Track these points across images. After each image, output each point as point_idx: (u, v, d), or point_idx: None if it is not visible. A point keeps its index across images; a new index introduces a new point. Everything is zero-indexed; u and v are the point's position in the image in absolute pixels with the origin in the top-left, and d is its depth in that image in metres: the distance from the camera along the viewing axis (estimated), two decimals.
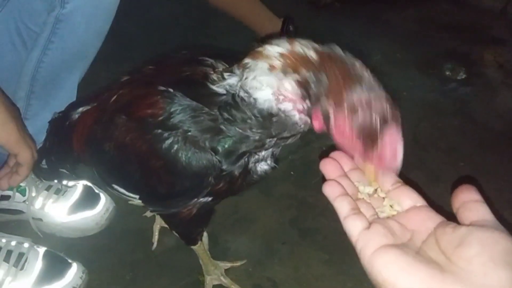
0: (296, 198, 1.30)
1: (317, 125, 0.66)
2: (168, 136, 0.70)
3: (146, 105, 0.73)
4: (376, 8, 2.16)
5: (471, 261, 0.37)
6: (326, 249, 1.15)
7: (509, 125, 1.50)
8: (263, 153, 0.76)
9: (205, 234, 1.11)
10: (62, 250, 1.09)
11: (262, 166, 0.79)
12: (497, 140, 1.44)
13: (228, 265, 1.10)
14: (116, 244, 1.16)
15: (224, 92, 0.69)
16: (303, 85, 0.63)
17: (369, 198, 0.52)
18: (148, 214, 1.19)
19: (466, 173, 1.34)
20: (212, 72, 0.72)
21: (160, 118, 0.71)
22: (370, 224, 0.46)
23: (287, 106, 0.66)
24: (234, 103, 0.69)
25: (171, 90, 0.71)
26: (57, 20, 1.03)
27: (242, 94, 0.68)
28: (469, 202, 0.43)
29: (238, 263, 1.12)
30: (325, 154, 0.57)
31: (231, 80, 0.69)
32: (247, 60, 0.67)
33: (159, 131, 0.71)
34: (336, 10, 2.16)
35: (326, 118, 0.62)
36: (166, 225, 1.10)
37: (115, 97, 0.80)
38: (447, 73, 1.72)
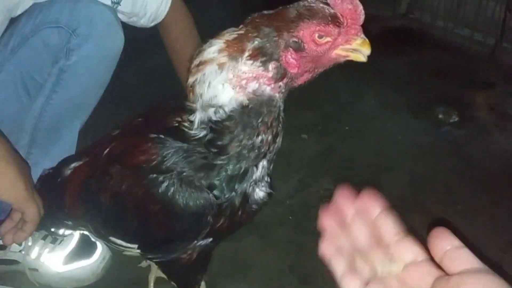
0: (295, 243, 1.28)
1: (294, 66, 0.68)
2: (164, 179, 0.71)
3: (139, 152, 0.74)
4: (370, 55, 2.22)
5: None
6: None
7: (504, 166, 1.52)
8: (259, 172, 0.76)
9: (202, 283, 1.09)
10: None
11: (259, 193, 0.80)
12: (493, 181, 1.45)
13: None
14: None
15: (204, 132, 0.71)
16: (258, 53, 0.66)
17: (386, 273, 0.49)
18: (144, 264, 1.17)
19: (464, 215, 1.33)
20: (181, 121, 0.74)
21: (154, 163, 0.72)
22: (367, 283, 0.45)
23: (253, 86, 0.67)
24: (215, 133, 0.70)
25: (162, 136, 0.73)
26: (61, 71, 1.06)
27: (213, 114, 0.69)
28: (451, 251, 0.41)
29: None
30: (325, 199, 0.57)
31: (197, 117, 0.71)
32: (191, 79, 0.70)
33: (154, 175, 0.72)
34: None
35: (298, 48, 0.66)
36: (162, 275, 1.08)
37: (107, 150, 0.81)
38: (440, 116, 1.76)
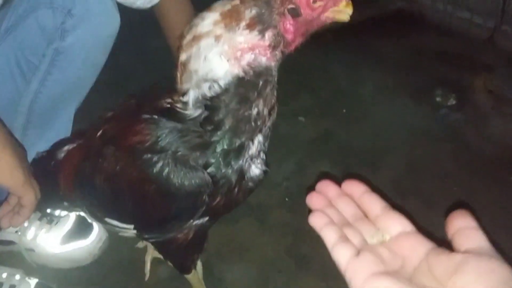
0: (291, 225, 1.29)
1: (291, 32, 0.69)
2: (158, 159, 0.71)
3: (132, 133, 0.74)
4: (367, 37, 2.21)
5: None
6: (323, 277, 1.14)
7: (501, 150, 1.52)
8: (255, 147, 0.76)
9: (199, 263, 1.10)
10: (54, 281, 1.08)
11: (255, 171, 0.79)
12: (490, 165, 1.46)
13: None
14: (109, 275, 1.14)
15: (200, 111, 0.71)
16: (255, 22, 0.66)
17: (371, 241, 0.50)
18: (140, 245, 1.18)
19: (460, 198, 1.34)
20: (173, 102, 0.74)
21: (148, 143, 0.72)
22: (358, 251, 0.45)
23: (248, 57, 0.67)
24: (210, 109, 0.70)
25: (155, 116, 0.73)
26: (57, 52, 1.05)
27: (207, 90, 0.69)
28: (464, 229, 0.42)
29: None
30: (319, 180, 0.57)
31: (191, 96, 0.71)
32: (183, 56, 0.69)
33: (149, 155, 0.72)
34: (328, 40, 2.20)
35: (295, 13, 0.68)
36: (158, 256, 1.08)
37: (100, 132, 0.81)
38: (438, 99, 1.75)
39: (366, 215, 0.51)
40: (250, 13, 0.67)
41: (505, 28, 2.06)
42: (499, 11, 2.05)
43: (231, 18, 0.67)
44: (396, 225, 0.47)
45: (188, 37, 0.70)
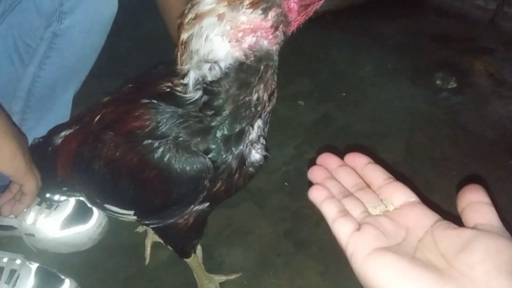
0: (290, 209, 1.29)
1: (295, 10, 0.67)
2: (159, 145, 0.70)
3: (132, 118, 0.73)
4: (367, 20, 2.18)
5: (473, 267, 0.36)
6: (321, 260, 1.14)
7: (500, 133, 1.51)
8: (254, 132, 0.76)
9: (199, 247, 1.11)
10: (54, 266, 1.08)
11: (255, 156, 0.79)
12: (489, 149, 1.45)
13: (223, 278, 1.09)
14: (109, 260, 1.15)
15: (199, 93, 0.70)
16: (258, 1, 0.64)
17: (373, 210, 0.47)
18: (140, 229, 1.18)
19: (459, 182, 1.34)
20: (172, 86, 0.72)
21: (148, 129, 0.71)
22: (360, 224, 0.43)
23: (249, 40, 0.66)
24: (210, 94, 0.69)
25: (155, 101, 0.72)
26: (55, 35, 1.03)
27: (208, 72, 0.68)
28: (476, 203, 0.40)
29: (233, 276, 1.11)
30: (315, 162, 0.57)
31: (191, 77, 0.70)
32: (185, 35, 0.68)
33: (149, 141, 0.71)
34: (327, 22, 2.18)
35: None
36: (158, 240, 1.09)
37: (98, 117, 0.80)
38: (438, 82, 1.74)
39: (369, 186, 0.49)
40: None
41: (507, 10, 2.03)
42: None
43: None
44: (400, 195, 0.45)
45: (190, 16, 0.68)
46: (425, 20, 2.16)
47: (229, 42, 0.66)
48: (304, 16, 0.71)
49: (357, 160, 0.50)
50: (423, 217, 0.42)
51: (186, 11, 0.69)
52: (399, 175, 0.51)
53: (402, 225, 0.43)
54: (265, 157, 0.80)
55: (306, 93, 1.77)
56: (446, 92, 1.71)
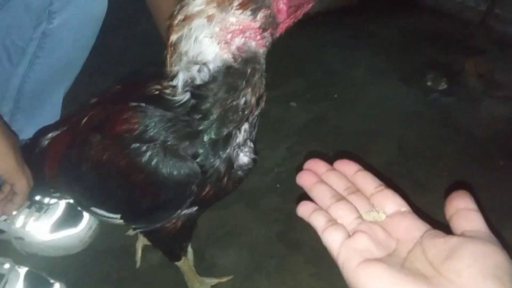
0: (283, 211, 1.29)
1: (284, 12, 0.67)
2: (147, 148, 0.70)
3: (120, 121, 0.72)
4: (359, 20, 2.19)
5: (460, 274, 0.36)
6: (314, 262, 1.14)
7: (491, 134, 1.52)
8: (241, 135, 0.75)
9: (190, 249, 1.10)
10: (44, 269, 1.07)
11: (243, 159, 0.79)
12: (480, 149, 1.46)
13: (215, 281, 1.08)
14: (100, 263, 1.14)
15: (188, 96, 0.69)
16: (248, 1, 0.64)
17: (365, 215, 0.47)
18: (131, 232, 1.17)
19: (451, 182, 1.35)
20: (161, 88, 0.72)
21: (137, 132, 0.70)
22: (352, 231, 0.44)
23: (238, 41, 0.66)
24: (198, 98, 0.69)
25: (143, 104, 0.71)
26: (44, 35, 1.03)
27: (196, 74, 0.67)
28: (463, 210, 0.41)
29: (224, 279, 1.10)
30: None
31: (180, 79, 0.69)
32: (174, 36, 0.67)
33: (137, 144, 0.70)
34: (319, 23, 2.18)
35: None
36: (149, 243, 1.08)
37: (86, 119, 0.79)
38: (429, 83, 1.74)
39: (359, 190, 0.49)
40: None
41: (497, 12, 2.05)
42: None
43: None
44: (392, 204, 0.46)
45: (179, 17, 0.68)
46: (417, 21, 2.16)
47: (218, 43, 0.66)
48: (293, 18, 0.70)
49: (347, 167, 0.50)
50: (413, 228, 0.43)
51: (175, 13, 0.68)
52: (387, 180, 0.51)
53: (393, 235, 0.43)
54: (254, 160, 0.80)
55: (299, 93, 1.77)
56: (437, 92, 1.72)
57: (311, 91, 1.78)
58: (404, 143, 1.50)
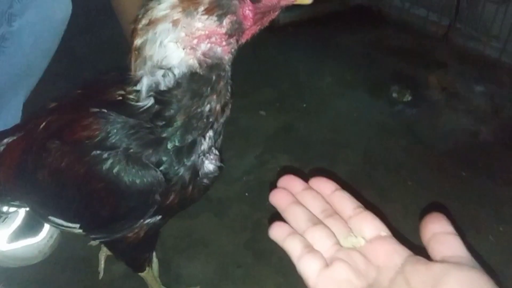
0: (251, 219, 1.29)
1: (249, 18, 0.68)
2: (108, 156, 0.68)
3: (80, 127, 0.71)
4: (328, 32, 2.23)
5: None
6: (281, 271, 1.14)
7: (453, 145, 1.58)
8: (206, 143, 0.75)
9: (155, 260, 1.08)
10: (1, 281, 1.02)
11: (208, 167, 0.78)
12: (442, 160, 1.51)
13: None
14: (61, 274, 1.10)
15: (152, 101, 0.69)
16: (214, 6, 0.64)
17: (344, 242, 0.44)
18: (94, 243, 1.14)
19: (414, 191, 1.38)
20: (125, 94, 0.71)
21: (97, 139, 0.69)
22: (330, 260, 0.41)
23: (203, 47, 0.65)
24: (162, 104, 0.68)
25: (105, 110, 0.70)
26: (3, 39, 1.00)
27: (161, 79, 0.67)
28: (441, 234, 0.39)
29: None
30: (282, 176, 0.53)
31: (144, 83, 0.69)
32: (138, 41, 0.67)
33: (98, 152, 0.69)
34: (289, 33, 2.21)
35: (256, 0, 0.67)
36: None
37: (44, 124, 0.77)
38: (394, 95, 1.79)
39: (337, 212, 0.46)
40: None
41: (459, 26, 2.13)
42: (454, 9, 2.13)
43: (189, 2, 0.64)
44: (371, 228, 0.43)
45: (144, 21, 0.67)
46: (383, 34, 2.23)
47: (184, 49, 0.66)
48: (259, 25, 0.71)
49: (323, 185, 0.47)
50: (394, 254, 0.40)
51: (139, 16, 0.68)
52: (356, 184, 0.50)
53: (373, 262, 0.41)
54: (219, 168, 0.79)
55: (268, 102, 1.78)
56: (402, 104, 1.77)
57: (280, 101, 1.80)
58: (368, 153, 1.54)
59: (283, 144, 1.59)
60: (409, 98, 1.78)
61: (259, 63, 1.94)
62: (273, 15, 0.72)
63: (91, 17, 1.98)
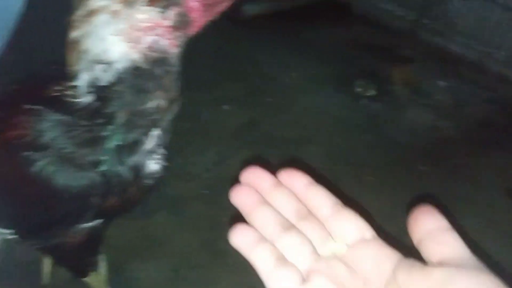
0: (208, 218, 1.25)
1: (196, 10, 0.64)
2: (41, 157, 0.63)
3: (10, 126, 0.65)
4: (295, 26, 2.21)
5: None
6: (236, 271, 1.11)
7: (414, 139, 1.58)
8: (151, 142, 0.71)
9: (103, 263, 1.03)
10: None
11: (152, 166, 0.74)
12: (403, 154, 1.51)
13: None
14: (4, 280, 1.04)
15: (91, 98, 0.64)
16: None
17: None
18: None
19: (374, 186, 1.37)
20: (62, 89, 0.66)
21: (29, 138, 0.64)
22: (307, 272, 0.34)
23: (148, 40, 0.62)
24: (102, 100, 0.64)
25: (39, 107, 0.65)
26: None
27: (101, 74, 0.63)
28: (435, 232, 0.33)
29: None
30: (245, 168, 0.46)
31: (83, 79, 0.64)
32: (75, 34, 0.63)
33: (30, 152, 0.64)
34: (256, 27, 2.18)
35: None
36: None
37: None
38: (358, 90, 1.79)
39: (311, 212, 0.38)
40: None
41: (425, 22, 2.14)
42: (420, 4, 2.13)
43: None
44: (353, 229, 0.36)
45: (81, 12, 0.62)
46: (350, 29, 2.22)
47: (125, 42, 0.61)
48: (208, 16, 0.67)
49: (295, 179, 0.39)
50: (382, 260, 0.34)
51: (76, 6, 0.63)
52: (318, 181, 0.42)
53: (359, 272, 0.34)
54: (165, 167, 0.75)
55: (232, 97, 1.74)
56: (366, 99, 1.76)
57: (244, 95, 1.77)
58: (332, 149, 1.52)
59: (246, 139, 1.56)
60: (373, 93, 1.77)
61: (223, 56, 1.90)
62: (223, 6, 0.68)
63: (39, 9, 1.90)
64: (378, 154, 1.50)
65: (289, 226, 0.36)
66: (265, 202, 0.37)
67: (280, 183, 0.38)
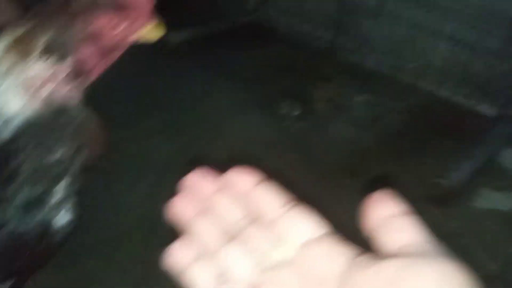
0: (140, 259, 1.23)
1: (91, 58, 0.64)
2: None
3: None
4: (220, 51, 2.24)
5: None
6: None
7: (339, 155, 1.66)
8: (59, 193, 0.69)
9: None
10: None
11: (63, 219, 0.72)
12: (330, 170, 1.58)
13: None
14: None
15: None
16: (50, 49, 0.61)
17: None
18: None
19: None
20: None
21: None
22: (254, 286, 0.30)
23: (45, 91, 0.61)
24: (4, 156, 0.62)
25: None
26: None
27: (1, 128, 0.62)
28: (391, 218, 0.29)
29: None
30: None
31: None
32: None
33: None
34: (182, 54, 2.19)
35: (96, 38, 0.64)
36: None
37: None
38: (283, 110, 1.85)
39: (259, 215, 0.34)
40: (45, 38, 0.61)
41: (341, 41, 2.26)
42: (335, 25, 2.26)
43: (23, 45, 0.60)
44: (304, 229, 0.32)
45: None
46: (272, 51, 2.29)
47: (23, 95, 0.60)
48: (108, 61, 0.68)
49: (242, 179, 0.35)
50: (335, 259, 0.30)
51: None
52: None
53: (311, 276, 0.30)
54: (77, 217, 0.74)
55: (160, 128, 1.74)
56: (291, 119, 1.83)
57: (173, 125, 1.77)
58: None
59: (178, 168, 1.55)
60: (298, 113, 1.84)
61: (148, 87, 1.89)
62: (120, 50, 0.69)
63: None
64: (307, 173, 1.56)
65: (233, 235, 0.33)
66: (207, 210, 0.34)
67: (225, 186, 0.35)
